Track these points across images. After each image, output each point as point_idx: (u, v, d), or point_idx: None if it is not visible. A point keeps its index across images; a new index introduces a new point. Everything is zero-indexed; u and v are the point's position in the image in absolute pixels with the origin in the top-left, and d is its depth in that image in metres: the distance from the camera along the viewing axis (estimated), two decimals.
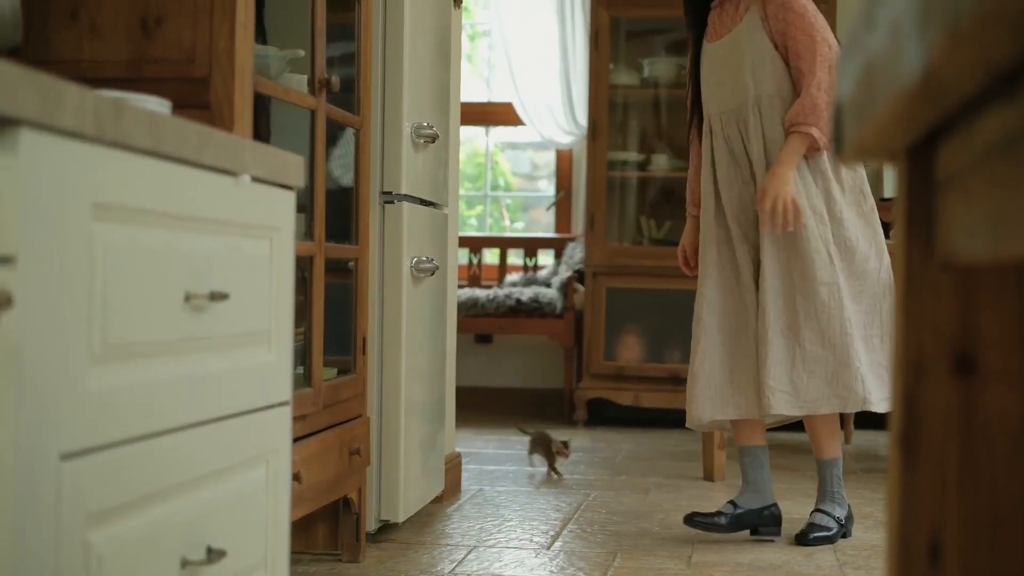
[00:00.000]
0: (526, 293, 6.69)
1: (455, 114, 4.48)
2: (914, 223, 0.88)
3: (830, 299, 3.39)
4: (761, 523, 3.65)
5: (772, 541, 3.65)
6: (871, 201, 3.53)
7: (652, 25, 6.74)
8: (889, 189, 6.60)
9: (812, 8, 3.47)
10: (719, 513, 3.61)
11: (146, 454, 1.51)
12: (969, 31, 0.54)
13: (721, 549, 3.56)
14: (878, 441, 6.12)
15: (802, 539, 3.59)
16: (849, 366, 3.39)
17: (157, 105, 1.99)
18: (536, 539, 3.70)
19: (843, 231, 3.44)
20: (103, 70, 2.39)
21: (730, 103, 3.55)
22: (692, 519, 3.61)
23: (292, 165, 1.99)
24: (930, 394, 0.88)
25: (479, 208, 7.89)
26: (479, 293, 6.75)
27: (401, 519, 3.61)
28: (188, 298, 1.60)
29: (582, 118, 6.94)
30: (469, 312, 6.62)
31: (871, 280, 3.46)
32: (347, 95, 3.22)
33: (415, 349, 3.74)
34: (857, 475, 5.03)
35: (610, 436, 6.10)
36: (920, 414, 0.87)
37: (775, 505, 3.67)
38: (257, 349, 1.87)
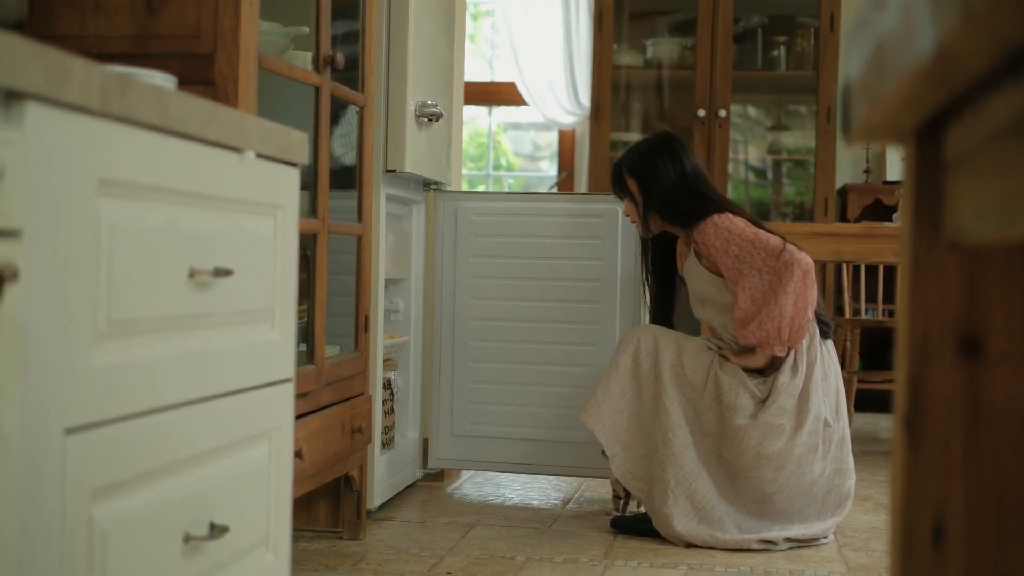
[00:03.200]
0: None
1: (458, 93, 4.48)
2: (921, 204, 0.87)
3: None
4: None
5: None
6: None
7: (656, 6, 6.72)
8: (894, 172, 6.60)
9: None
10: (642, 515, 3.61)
11: (149, 430, 1.51)
12: (983, 11, 0.53)
13: None
14: (879, 423, 6.13)
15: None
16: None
17: (163, 81, 1.99)
18: (537, 518, 3.71)
19: None
20: (108, 46, 2.39)
21: None
22: (617, 522, 3.62)
23: (297, 142, 1.99)
24: (935, 376, 0.87)
25: (481, 188, 7.89)
26: None
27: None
28: (192, 275, 1.60)
29: (585, 98, 6.92)
30: None
31: None
32: (351, 73, 3.21)
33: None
34: (857, 457, 5.02)
35: None
36: (925, 396, 0.87)
37: None
38: (260, 326, 1.87)
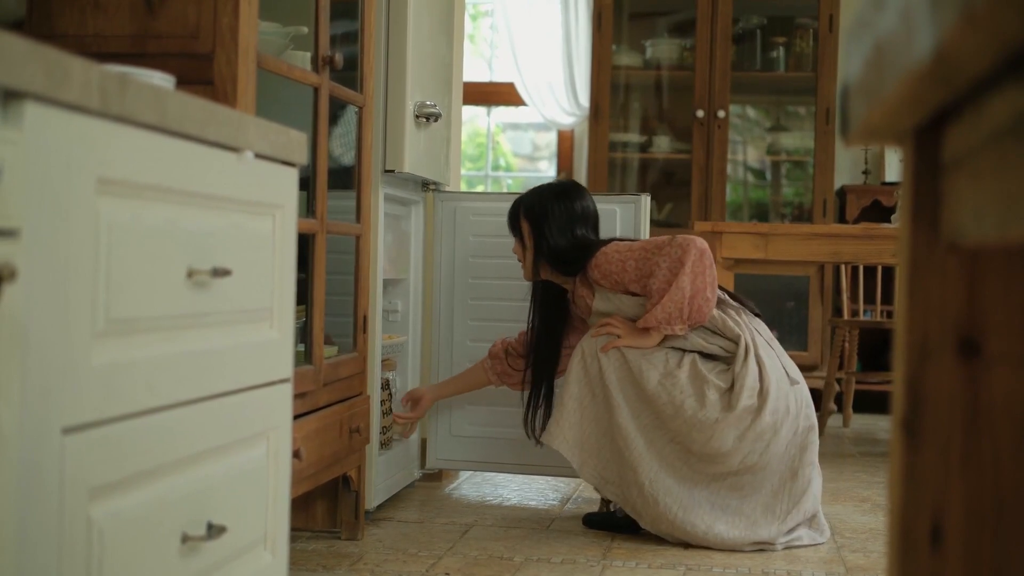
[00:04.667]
0: None
1: (457, 93, 4.48)
2: (920, 205, 0.87)
3: None
4: None
5: None
6: None
7: (655, 6, 6.73)
8: (892, 173, 6.60)
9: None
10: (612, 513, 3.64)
11: (148, 429, 1.51)
12: (982, 12, 0.53)
13: None
14: (877, 424, 6.13)
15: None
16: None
17: (161, 81, 1.99)
18: (535, 518, 3.71)
19: None
20: (107, 45, 2.39)
21: None
22: (590, 519, 3.65)
23: (295, 142, 1.99)
24: (934, 377, 0.87)
25: (480, 188, 7.89)
26: None
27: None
28: (191, 274, 1.60)
29: (584, 99, 6.93)
30: None
31: None
32: (350, 73, 3.21)
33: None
34: (855, 458, 5.03)
35: None
36: (924, 397, 0.87)
37: None
38: (259, 326, 1.87)
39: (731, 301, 3.58)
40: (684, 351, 3.46)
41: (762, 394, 3.37)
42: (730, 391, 3.38)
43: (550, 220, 3.64)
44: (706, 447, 3.37)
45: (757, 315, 3.61)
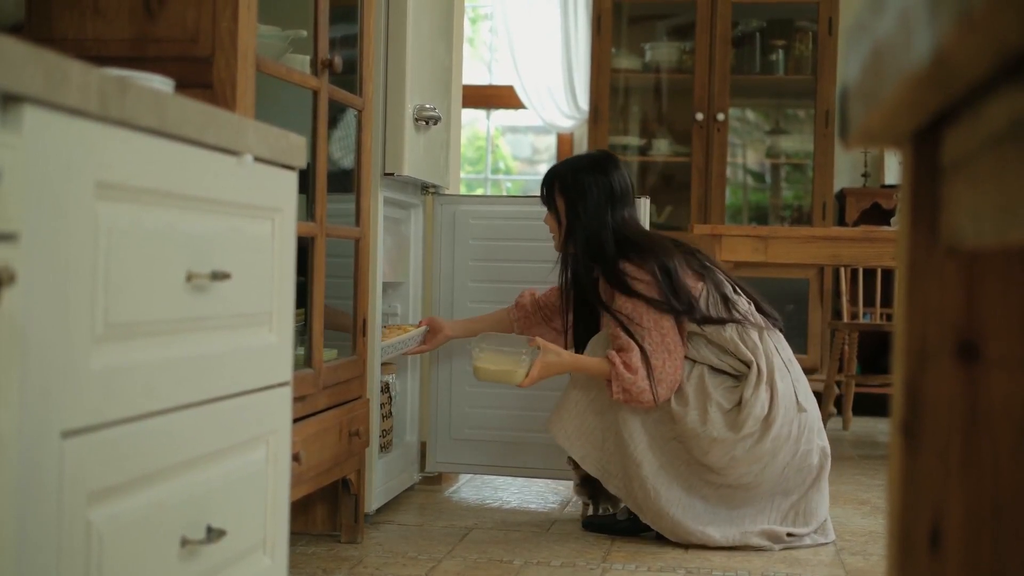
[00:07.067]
0: None
1: (456, 96, 4.48)
2: (919, 209, 0.87)
3: None
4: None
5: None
6: None
7: (654, 10, 6.73)
8: (892, 176, 6.60)
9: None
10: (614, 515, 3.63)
11: (147, 433, 1.51)
12: (981, 16, 0.54)
13: None
14: (876, 427, 6.13)
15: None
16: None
17: (161, 84, 1.99)
18: (535, 521, 3.70)
19: None
20: (106, 49, 2.39)
21: None
22: (590, 522, 3.63)
23: (295, 145, 1.99)
24: (933, 380, 0.87)
25: (480, 191, 7.89)
26: None
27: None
28: (190, 278, 1.60)
29: (583, 102, 6.93)
30: None
31: None
32: (349, 76, 3.21)
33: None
34: (855, 461, 5.03)
35: None
36: (922, 400, 0.87)
37: None
38: (258, 329, 1.87)
39: (756, 314, 3.49)
40: (694, 362, 3.44)
41: (767, 421, 3.34)
42: (734, 411, 3.36)
43: (587, 199, 3.51)
44: (703, 459, 3.37)
45: (780, 329, 3.54)
